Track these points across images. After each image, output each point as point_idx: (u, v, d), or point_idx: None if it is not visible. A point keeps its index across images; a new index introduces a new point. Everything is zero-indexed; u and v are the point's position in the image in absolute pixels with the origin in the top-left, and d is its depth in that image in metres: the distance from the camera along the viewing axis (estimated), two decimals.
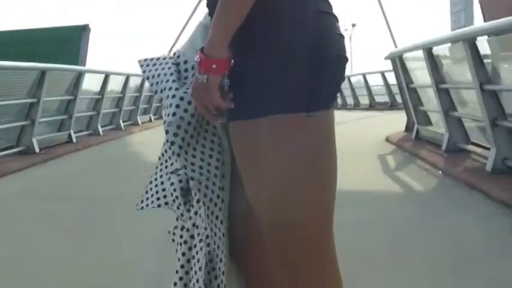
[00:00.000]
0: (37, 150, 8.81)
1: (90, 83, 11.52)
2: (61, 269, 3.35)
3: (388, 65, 11.52)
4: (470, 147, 6.94)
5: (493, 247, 3.57)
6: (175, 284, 1.57)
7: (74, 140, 10.39)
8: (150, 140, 9.69)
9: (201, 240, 1.52)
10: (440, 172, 6.39)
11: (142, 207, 1.70)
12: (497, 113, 5.58)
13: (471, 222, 4.23)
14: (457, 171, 6.08)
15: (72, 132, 10.38)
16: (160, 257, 3.08)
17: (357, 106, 24.12)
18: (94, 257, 3.60)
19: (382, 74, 21.19)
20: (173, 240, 1.67)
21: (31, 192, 6.02)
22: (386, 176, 6.60)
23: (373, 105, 22.85)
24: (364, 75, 23.51)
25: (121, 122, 13.48)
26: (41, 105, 8.75)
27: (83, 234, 4.18)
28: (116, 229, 4.29)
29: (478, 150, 6.68)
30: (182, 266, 1.57)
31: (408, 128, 9.93)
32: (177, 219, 1.65)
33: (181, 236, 1.61)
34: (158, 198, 1.66)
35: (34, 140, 8.76)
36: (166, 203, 1.66)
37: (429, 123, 8.75)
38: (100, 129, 11.93)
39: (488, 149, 5.94)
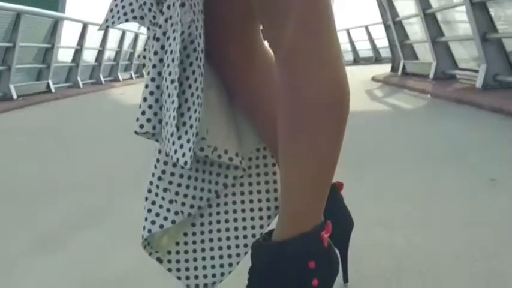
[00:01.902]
0: (15, 96, 8.57)
1: (69, 33, 11.22)
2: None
3: (372, 19, 11.33)
4: (459, 72, 6.79)
5: (489, 143, 3.42)
6: (146, 86, 1.38)
7: (53, 90, 10.15)
8: (131, 91, 9.47)
9: (175, 31, 1.33)
10: (429, 96, 6.24)
11: (107, 26, 1.49)
12: (487, 27, 5.42)
13: (464, 126, 4.08)
14: (446, 92, 5.92)
15: (50, 82, 10.13)
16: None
17: None
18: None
19: (366, 28, 20.99)
20: (144, 65, 1.47)
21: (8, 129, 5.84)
22: (375, 102, 6.47)
23: (357, 61, 22.70)
24: (348, 31, 23.28)
25: (101, 76, 13.21)
26: (16, 50, 8.49)
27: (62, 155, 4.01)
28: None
29: (467, 73, 6.53)
30: (154, 66, 1.37)
31: (394, 68, 9.78)
32: (148, 28, 1.45)
33: (152, 46, 1.41)
34: (125, 13, 1.46)
35: (11, 86, 8.52)
36: (135, 17, 1.45)
37: (415, 57, 8.59)
38: (80, 82, 11.67)
39: (477, 71, 5.79)
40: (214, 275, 1.46)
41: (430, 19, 7.10)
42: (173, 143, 1.31)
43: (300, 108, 1.14)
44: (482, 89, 5.35)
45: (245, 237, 1.45)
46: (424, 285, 1.44)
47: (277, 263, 1.14)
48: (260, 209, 1.48)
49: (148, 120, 1.37)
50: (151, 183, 1.41)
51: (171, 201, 1.38)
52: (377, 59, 20.71)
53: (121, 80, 14.77)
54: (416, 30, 8.03)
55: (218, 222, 1.48)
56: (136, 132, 1.40)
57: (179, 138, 1.30)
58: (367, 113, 5.20)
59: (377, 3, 9.99)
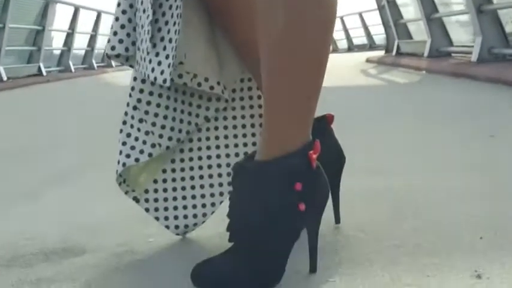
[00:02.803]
0: (4, 78, 8.46)
1: (61, 17, 11.11)
2: None
3: (366, 5, 11.27)
4: (454, 49, 6.69)
5: (487, 108, 3.33)
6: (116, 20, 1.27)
7: (44, 73, 10.03)
8: (124, 76, 9.36)
9: None
10: (423, 72, 6.15)
11: None
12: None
13: (461, 95, 3.99)
14: (441, 66, 5.83)
15: (41, 65, 10.00)
16: None
17: (335, 51, 23.81)
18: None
19: (360, 15, 20.87)
20: None
21: None
22: (370, 78, 6.38)
23: (351, 48, 22.56)
24: (341, 18, 23.14)
25: (93, 61, 13.07)
26: (6, 31, 8.38)
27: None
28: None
29: (462, 49, 6.43)
30: None
31: (388, 50, 9.69)
32: None
33: None
34: None
35: (1, 68, 8.41)
36: None
37: (410, 37, 8.50)
38: (72, 66, 11.54)
39: (472, 47, 5.69)
40: (195, 216, 1.36)
41: None
42: (150, 61, 1.20)
43: (282, 11, 1.03)
44: (478, 63, 5.25)
45: (229, 174, 1.35)
46: (423, 226, 1.35)
47: (259, 185, 1.04)
48: (245, 145, 1.38)
49: (121, 41, 1.27)
50: (126, 113, 1.31)
51: (147, 133, 1.28)
52: (371, 46, 20.57)
53: (114, 66, 14.64)
54: (410, 10, 7.93)
55: (200, 158, 1.37)
56: (107, 55, 1.30)
57: (156, 55, 1.19)
58: (360, 87, 5.12)
59: None
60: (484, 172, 1.74)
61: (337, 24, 23.45)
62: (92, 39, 13.11)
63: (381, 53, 10.20)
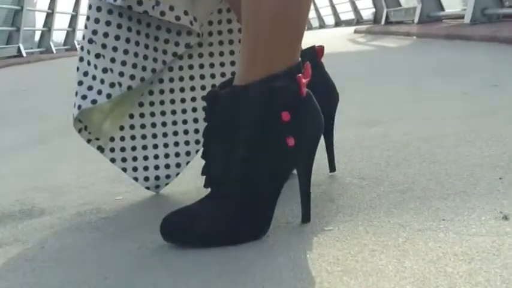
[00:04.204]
0: None
1: None
2: None
3: None
4: (445, 13, 6.50)
5: (485, 63, 3.15)
6: None
7: (24, 54, 9.78)
8: None
9: None
10: (414, 37, 5.96)
11: None
12: None
13: (456, 54, 3.81)
14: (432, 30, 5.64)
15: (21, 46, 9.75)
16: None
17: (322, 27, 23.56)
18: None
19: None
20: None
21: None
22: (359, 45, 6.17)
23: (339, 24, 22.32)
24: None
25: (76, 42, 12.79)
26: None
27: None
28: None
29: (454, 13, 6.24)
30: None
31: (376, 20, 9.49)
32: None
33: None
34: None
35: None
36: None
37: (399, 5, 8.30)
38: (53, 47, 11.28)
39: (465, 10, 5.50)
40: (167, 166, 1.18)
41: None
42: None
43: None
44: (471, 24, 5.07)
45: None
46: (431, 170, 1.17)
47: (238, 115, 0.85)
48: None
49: None
50: (82, 48, 1.12)
51: (105, 70, 1.09)
52: (358, 21, 20.32)
53: None
54: None
55: (172, 101, 1.19)
56: None
57: None
58: (351, 53, 4.93)
59: None
60: (493, 116, 1.56)
61: (324, 0, 23.20)
62: (73, 19, 12.82)
63: (369, 25, 10.00)
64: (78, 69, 1.11)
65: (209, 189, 0.87)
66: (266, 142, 0.83)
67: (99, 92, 1.09)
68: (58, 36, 11.85)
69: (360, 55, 4.54)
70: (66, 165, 1.54)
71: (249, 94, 0.83)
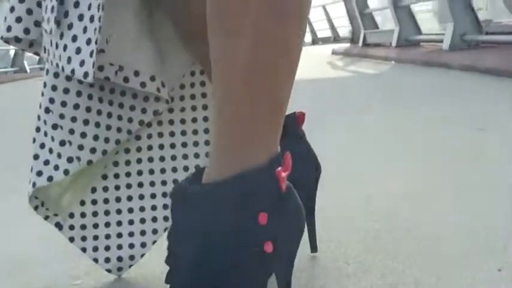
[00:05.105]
0: None
1: None
2: None
3: None
4: (424, 37, 6.46)
5: (466, 94, 3.09)
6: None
7: None
8: None
9: None
10: (392, 62, 5.91)
11: None
12: None
13: (435, 83, 3.75)
14: (411, 55, 5.59)
15: None
16: None
17: None
18: None
19: (324, 7, 20.68)
20: None
21: None
22: (337, 70, 6.11)
23: (315, 41, 22.36)
24: None
25: None
26: None
27: None
28: None
29: (432, 37, 6.21)
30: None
31: (354, 41, 9.45)
32: None
33: None
34: None
35: None
36: None
37: (376, 27, 8.27)
38: (27, 66, 11.10)
39: (443, 34, 5.46)
40: (132, 246, 1.06)
41: None
42: (64, 48, 0.88)
43: None
44: (450, 50, 5.02)
45: None
46: (416, 251, 1.08)
47: (208, 217, 0.74)
48: (196, 156, 1.08)
49: (19, 19, 0.96)
50: (38, 118, 1.00)
51: (62, 143, 0.97)
52: (335, 38, 20.38)
53: None
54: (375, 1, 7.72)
55: (140, 173, 1.07)
56: (2, 39, 0.99)
57: (73, 39, 0.87)
58: (327, 81, 4.85)
59: None
60: (484, 178, 1.48)
61: None
62: None
63: (346, 45, 9.98)
64: (34, 140, 1.00)
65: None
66: (241, 248, 0.72)
67: (56, 168, 0.98)
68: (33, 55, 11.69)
69: (338, 84, 4.45)
70: (26, 229, 1.42)
71: (222, 195, 0.72)
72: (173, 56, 1.06)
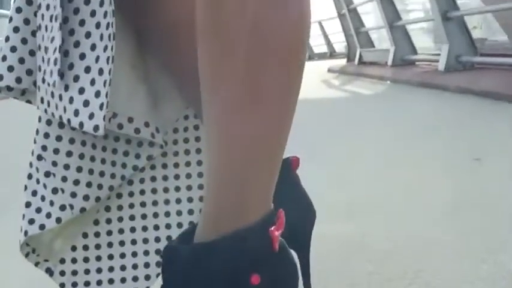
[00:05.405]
0: None
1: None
2: None
3: (325, 13, 11.10)
4: (419, 57, 6.48)
5: (463, 121, 3.09)
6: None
7: None
8: None
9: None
10: (388, 82, 5.91)
11: None
12: (447, 6, 5.12)
13: (430, 107, 3.74)
14: (406, 76, 5.59)
15: None
16: None
17: None
18: None
19: (320, 23, 20.75)
20: None
21: None
22: (332, 90, 6.11)
23: (312, 57, 22.42)
24: None
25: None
26: None
27: None
28: None
29: (427, 57, 6.22)
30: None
31: (350, 58, 9.49)
32: None
33: None
34: None
35: None
36: None
37: (372, 46, 8.30)
38: None
39: (439, 55, 5.47)
40: None
41: (386, 2, 6.79)
42: (70, 100, 0.86)
43: (233, 41, 0.71)
44: (445, 71, 5.03)
45: (169, 238, 1.05)
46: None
47: (199, 278, 0.72)
48: (190, 200, 1.07)
49: (10, 68, 0.94)
50: (31, 165, 0.99)
51: (55, 191, 0.96)
52: (332, 54, 20.46)
53: None
54: (371, 18, 7.74)
55: (132, 218, 1.06)
56: None
57: (81, 91, 0.85)
58: (322, 102, 4.84)
59: None
60: (483, 216, 1.46)
61: None
62: None
63: (342, 61, 10.00)
64: (26, 187, 0.99)
65: None
66: None
67: (48, 216, 0.96)
68: None
69: (333, 105, 4.45)
70: (17, 261, 1.39)
71: (214, 255, 0.71)
72: (167, 100, 1.05)
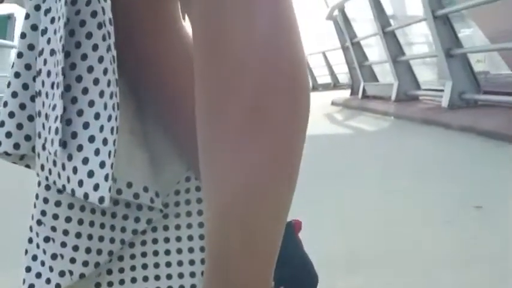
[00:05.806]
0: None
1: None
2: None
3: (329, 44, 11.16)
4: (422, 93, 6.49)
5: (464, 162, 3.08)
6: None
7: None
8: None
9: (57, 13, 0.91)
10: (392, 117, 5.92)
11: None
12: (451, 43, 5.14)
13: (435, 147, 3.74)
14: (409, 112, 5.60)
15: None
16: None
17: None
18: None
19: (324, 54, 20.88)
20: None
21: None
22: (335, 125, 6.12)
23: (315, 87, 22.50)
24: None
25: None
26: None
27: None
28: None
29: (431, 93, 6.23)
30: (20, 55, 0.94)
31: (354, 91, 9.51)
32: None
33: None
34: None
35: None
36: None
37: (375, 79, 8.33)
38: None
39: (442, 91, 5.48)
40: None
41: (389, 37, 6.82)
42: (74, 171, 0.85)
43: (226, 92, 0.69)
44: (449, 109, 5.03)
45: None
46: None
47: None
48: (192, 262, 1.06)
49: (8, 134, 0.94)
50: (31, 229, 0.99)
51: (54, 256, 0.96)
52: (335, 84, 20.54)
53: None
54: (376, 52, 7.78)
55: (134, 280, 1.05)
56: None
57: (85, 161, 0.84)
58: (325, 138, 4.84)
59: (334, 25, 9.76)
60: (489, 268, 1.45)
61: None
62: None
63: (346, 92, 10.03)
64: (26, 251, 0.98)
65: None
66: None
67: (48, 281, 0.96)
68: None
69: (335, 141, 4.45)
70: None
71: None
72: (167, 163, 1.04)
